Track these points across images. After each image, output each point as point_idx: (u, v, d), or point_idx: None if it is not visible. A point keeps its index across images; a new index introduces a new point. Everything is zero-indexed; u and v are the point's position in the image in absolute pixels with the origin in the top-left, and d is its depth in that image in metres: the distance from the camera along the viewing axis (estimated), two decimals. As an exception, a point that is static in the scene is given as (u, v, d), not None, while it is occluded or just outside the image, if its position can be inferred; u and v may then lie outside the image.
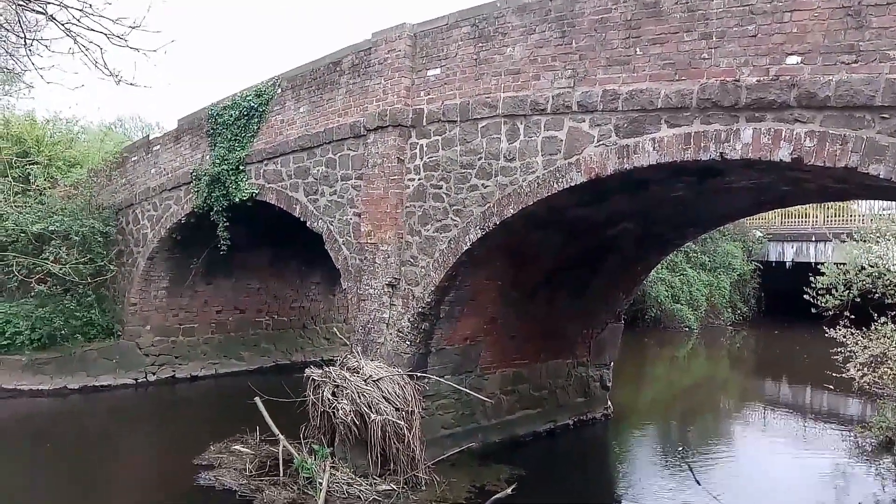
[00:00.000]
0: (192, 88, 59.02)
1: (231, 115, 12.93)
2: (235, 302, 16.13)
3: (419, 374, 9.47)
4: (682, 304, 26.04)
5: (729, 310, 28.89)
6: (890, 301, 12.73)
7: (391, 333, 9.77)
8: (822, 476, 10.70)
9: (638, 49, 7.21)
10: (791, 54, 6.11)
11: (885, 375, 12.17)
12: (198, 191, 13.38)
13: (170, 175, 14.59)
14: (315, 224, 11.24)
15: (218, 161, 12.96)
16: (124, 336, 14.81)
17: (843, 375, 12.72)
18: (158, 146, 15.14)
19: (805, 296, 13.94)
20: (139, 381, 14.51)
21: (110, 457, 10.53)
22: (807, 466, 11.21)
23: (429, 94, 9.51)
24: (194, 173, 13.55)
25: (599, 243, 10.64)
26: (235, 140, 12.86)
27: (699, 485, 9.48)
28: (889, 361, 12.22)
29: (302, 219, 11.47)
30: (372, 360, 9.56)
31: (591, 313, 12.20)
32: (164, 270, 14.98)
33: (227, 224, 13.09)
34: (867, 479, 10.78)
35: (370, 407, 8.74)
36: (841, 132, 5.83)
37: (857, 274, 13.25)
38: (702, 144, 6.67)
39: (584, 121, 7.72)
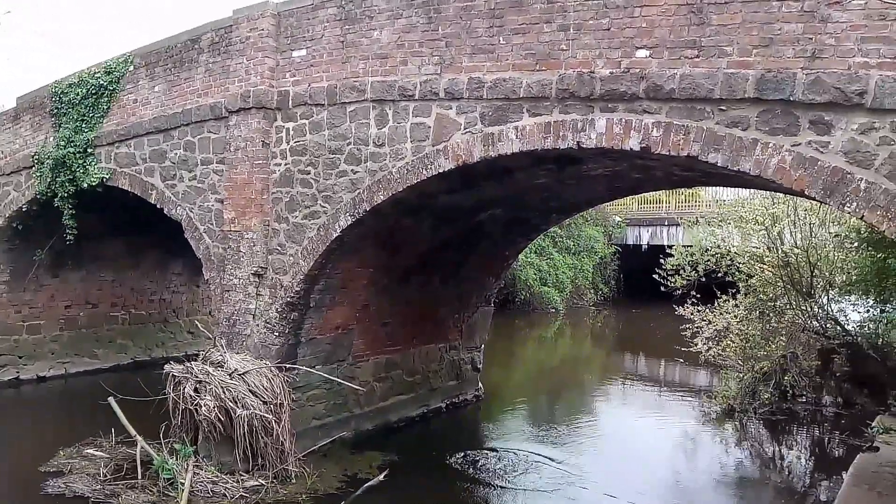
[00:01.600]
0: (34, 65, 54.01)
1: (77, 94, 11.94)
2: (87, 296, 14.95)
3: (288, 366, 9.22)
4: (549, 287, 27.16)
5: (592, 291, 30.50)
6: (731, 279, 13.93)
7: (258, 325, 9.44)
8: (674, 442, 11.53)
9: (501, 38, 7.34)
10: (641, 48, 6.44)
11: (727, 348, 13.33)
12: (41, 175, 12.27)
13: (8, 158, 13.29)
14: (173, 211, 10.63)
15: (63, 143, 11.93)
16: (-43, 336, 13.39)
17: (692, 349, 13.80)
18: (-7, 126, 13.74)
19: (656, 276, 14.95)
20: (-24, 384, 13.19)
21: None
22: (660, 434, 12.04)
23: (294, 76, 9.22)
24: (36, 156, 12.42)
25: (470, 228, 10.82)
26: (83, 121, 11.89)
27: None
28: (731, 335, 13.39)
29: (159, 205, 10.81)
30: (238, 353, 9.20)
31: (462, 297, 12.41)
32: (3, 263, 13.64)
33: (74, 212, 12.11)
34: (713, 443, 11.75)
35: (235, 402, 8.41)
36: (684, 123, 6.23)
37: (702, 255, 14.37)
38: (560, 133, 6.90)
39: (451, 108, 7.77)
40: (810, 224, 12.85)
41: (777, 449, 11.43)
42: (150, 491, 8.05)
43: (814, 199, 6.16)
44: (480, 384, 13.37)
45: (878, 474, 7.74)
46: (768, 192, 13.16)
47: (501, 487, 9.06)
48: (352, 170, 8.67)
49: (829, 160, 5.56)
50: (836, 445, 11.28)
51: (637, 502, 8.56)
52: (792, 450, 11.45)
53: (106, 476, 8.47)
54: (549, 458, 10.02)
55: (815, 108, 5.62)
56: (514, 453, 10.28)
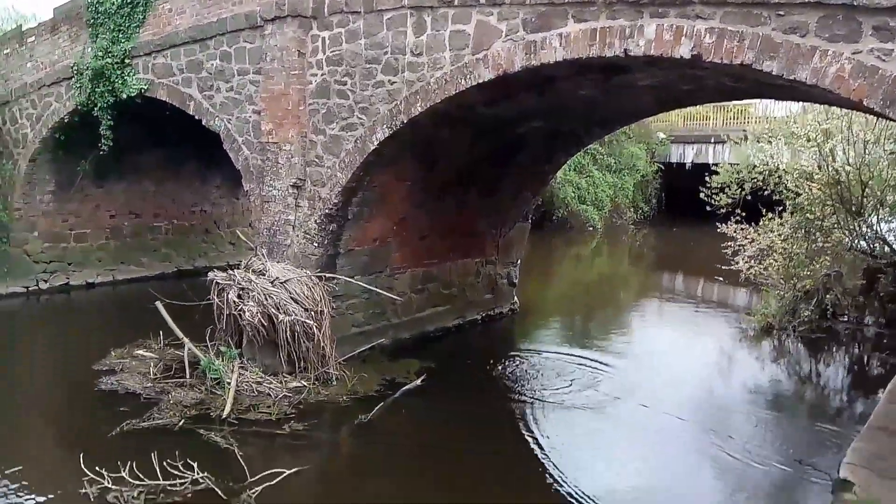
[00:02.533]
0: (71, -27, 53.31)
1: (113, 3, 11.81)
2: (130, 206, 15.31)
3: (328, 276, 9.40)
4: (587, 205, 26.82)
5: (632, 209, 30.05)
6: (778, 197, 13.55)
7: (298, 236, 9.57)
8: (710, 358, 11.55)
9: (546, -64, 6.95)
10: (696, -55, 6.04)
11: (769, 267, 13.12)
12: (80, 87, 12.36)
13: (48, 69, 13.36)
14: (212, 122, 10.64)
15: (101, 54, 11.92)
16: (11, 243, 13.89)
17: (732, 268, 13.62)
18: (33, 37, 13.76)
19: (701, 194, 14.61)
20: (30, 289, 13.76)
21: (5, 366, 10.08)
22: (696, 350, 12.07)
23: (330, -19, 8.95)
24: (75, 67, 12.46)
25: (509, 142, 10.63)
26: (119, 31, 11.81)
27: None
28: (774, 254, 13.15)
29: (197, 117, 10.83)
30: (279, 263, 9.39)
31: (499, 213, 12.35)
32: (48, 173, 13.98)
33: (113, 123, 12.25)
34: (749, 360, 11.75)
35: (278, 308, 8.65)
36: (739, 28, 5.89)
37: (749, 172, 13.95)
38: (607, 40, 6.60)
39: (492, 14, 7.48)
40: (864, 141, 12.29)
41: (814, 366, 11.39)
42: (199, 389, 8.45)
43: (872, 111, 5.85)
44: (516, 298, 13.48)
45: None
46: (821, 108, 12.60)
47: (534, 395, 9.26)
48: (389, 80, 8.50)
49: (892, 69, 5.23)
50: (877, 364, 11.19)
51: (671, 413, 8.68)
52: (829, 367, 11.40)
53: (156, 375, 8.90)
54: (582, 370, 10.17)
55: (880, 13, 5.25)
56: (548, 364, 10.46)
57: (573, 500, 6.60)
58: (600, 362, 10.61)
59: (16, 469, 6.67)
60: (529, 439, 7.91)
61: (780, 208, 13.51)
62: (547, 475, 7.12)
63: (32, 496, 6.26)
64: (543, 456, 7.52)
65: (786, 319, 12.37)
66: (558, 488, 6.84)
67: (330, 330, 9.08)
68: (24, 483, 6.44)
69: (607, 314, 15.31)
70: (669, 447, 7.97)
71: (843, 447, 7.43)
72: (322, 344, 8.90)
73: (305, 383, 8.71)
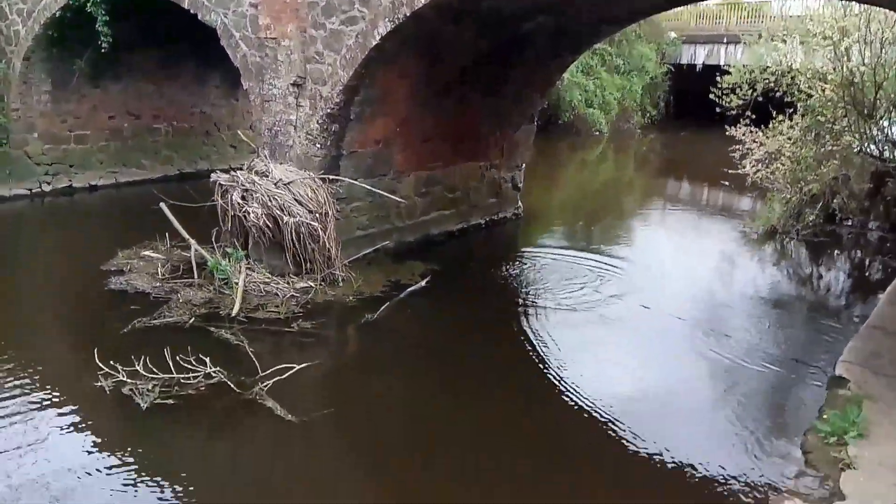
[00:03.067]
0: None
1: None
2: (127, 107, 15.01)
3: (331, 177, 9.32)
4: (594, 109, 26.29)
5: (639, 113, 29.47)
6: (789, 100, 13.23)
7: (300, 136, 9.43)
8: (712, 261, 11.62)
9: None
10: None
11: (776, 171, 12.98)
12: (70, -22, 11.87)
13: (36, -40, 12.79)
14: (207, 17, 10.25)
15: (89, -59, 11.37)
16: (10, 145, 13.73)
17: (739, 172, 13.49)
18: (16, -77, 13.09)
19: (711, 95, 14.27)
20: (34, 191, 13.73)
21: (13, 267, 10.20)
22: (698, 253, 12.16)
23: None
24: (64, -42, 11.92)
25: (514, 39, 10.28)
26: (108, -83, 11.21)
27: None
28: (782, 158, 12.98)
29: (192, 10, 10.42)
30: (281, 164, 9.30)
31: (504, 114, 12.11)
32: (44, 72, 13.64)
33: (107, 18, 11.81)
34: (752, 263, 11.83)
35: (282, 210, 8.64)
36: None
37: (761, 73, 13.56)
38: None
39: None
40: (881, 40, 11.87)
41: (816, 269, 11.48)
42: (207, 289, 8.57)
43: (892, 4, 5.60)
44: (520, 203, 13.43)
45: (916, 295, 7.76)
46: (839, 4, 12.12)
47: (537, 296, 9.39)
48: (392, -31, 8.12)
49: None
50: (878, 268, 11.27)
51: (672, 314, 8.82)
52: (831, 270, 11.49)
53: (164, 275, 9.00)
54: (585, 272, 10.26)
55: None
56: (551, 267, 10.56)
57: (571, 401, 6.80)
58: (603, 265, 10.69)
59: (33, 366, 6.86)
60: (531, 340, 8.07)
61: (791, 111, 13.22)
62: (546, 376, 7.31)
63: (50, 391, 6.46)
64: (544, 356, 7.70)
65: (790, 223, 12.37)
66: (557, 389, 7.03)
67: (335, 232, 9.11)
68: (41, 379, 6.64)
69: (612, 219, 15.31)
70: (669, 348, 8.13)
71: (841, 347, 7.59)
72: (327, 246, 8.94)
73: (312, 284, 8.82)
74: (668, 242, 13.27)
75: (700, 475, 5.71)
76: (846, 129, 12.59)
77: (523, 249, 11.78)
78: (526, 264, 10.72)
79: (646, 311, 8.95)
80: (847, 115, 12.40)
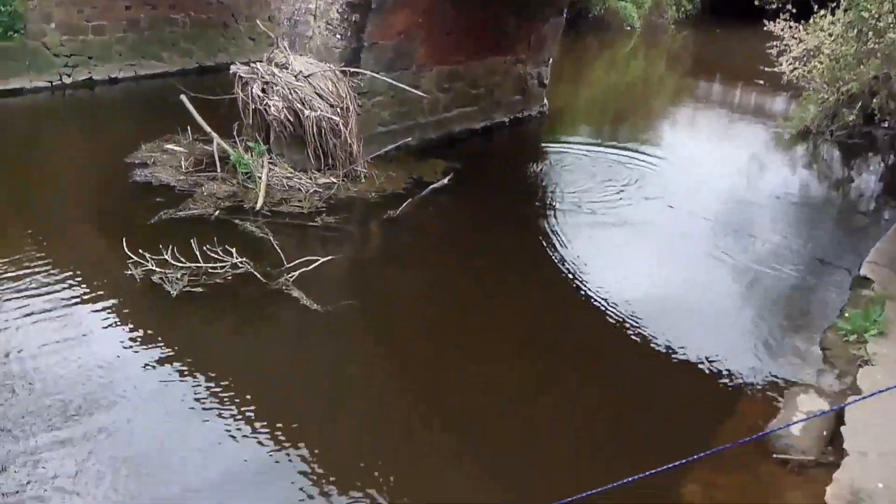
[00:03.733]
0: None
1: None
2: (143, -4, 14.60)
3: (352, 70, 9.10)
4: (626, 2, 25.08)
5: (674, 7, 28.09)
6: (834, -6, 12.50)
7: (319, 26, 9.14)
8: (741, 162, 11.37)
9: None
10: None
11: (814, 69, 12.45)
12: None
13: None
14: None
15: None
16: (28, 35, 13.48)
17: (775, 69, 12.96)
18: None
19: (751, -13, 13.50)
20: (54, 83, 13.59)
21: (39, 160, 10.26)
22: (727, 154, 11.88)
23: None
24: None
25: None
26: None
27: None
28: (821, 55, 12.40)
29: None
30: (301, 56, 9.07)
31: (532, 6, 11.60)
32: (55, -43, 13.21)
33: None
34: (782, 164, 11.57)
35: (303, 103, 8.50)
36: None
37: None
38: None
39: None
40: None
41: (848, 171, 11.21)
42: (230, 183, 8.57)
43: None
44: (546, 101, 13.09)
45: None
46: None
47: (561, 195, 9.32)
48: None
49: None
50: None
51: (697, 214, 8.73)
52: (863, 172, 11.22)
53: (187, 168, 8.99)
54: (610, 172, 10.12)
55: None
56: (576, 166, 10.42)
57: (589, 299, 6.86)
58: (630, 164, 10.52)
59: (64, 257, 6.99)
60: (552, 239, 8.07)
61: (834, 5, 12.51)
62: (566, 273, 7.35)
63: (82, 280, 6.58)
64: (564, 255, 7.72)
65: (824, 124, 11.97)
66: (575, 285, 7.09)
67: (356, 127, 8.98)
68: (73, 269, 6.73)
69: (640, 118, 14.91)
70: (693, 249, 8.09)
71: (868, 249, 7.52)
72: (349, 141, 8.84)
73: (335, 180, 8.79)
74: (696, 142, 12.97)
75: (716, 371, 5.82)
76: (891, 25, 11.91)
77: (547, 148, 11.58)
78: (550, 163, 10.58)
79: (671, 211, 8.86)
80: (893, 10, 11.70)
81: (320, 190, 8.58)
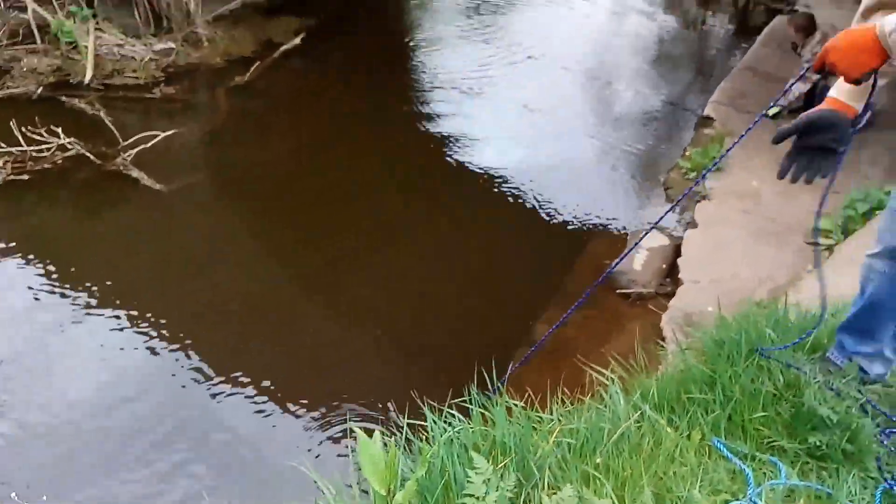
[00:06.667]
0: None
1: None
2: None
3: (181, -83, 8.08)
4: None
5: None
6: None
7: None
8: (600, 13, 11.27)
9: None
10: None
11: None
12: None
13: None
14: None
15: None
16: None
17: None
18: None
19: None
20: None
21: None
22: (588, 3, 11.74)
23: None
24: None
25: None
26: None
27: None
28: None
29: None
30: None
31: None
32: None
33: None
34: (640, 13, 11.52)
35: (125, -41, 7.54)
36: None
37: None
38: None
39: None
40: None
41: (703, 14, 11.33)
42: (53, 55, 7.63)
43: None
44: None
45: (785, 35, 7.86)
46: None
47: (424, 43, 8.99)
48: None
49: None
50: (762, 12, 11.26)
51: (559, 65, 8.67)
52: (717, 15, 11.37)
53: (1, 42, 7.93)
54: (476, 20, 9.80)
55: None
56: (442, 13, 10.00)
57: (453, 158, 6.81)
58: (494, 14, 10.20)
59: None
60: (415, 97, 7.84)
61: None
62: (430, 134, 7.21)
63: None
64: (430, 117, 7.52)
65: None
66: (438, 145, 6.99)
67: (193, -17, 8.13)
68: None
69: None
70: (552, 99, 8.07)
71: (715, 90, 7.78)
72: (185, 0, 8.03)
73: (173, 45, 8.01)
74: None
75: (571, 219, 6.02)
76: None
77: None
78: (415, 13, 10.09)
79: (533, 62, 8.76)
80: None
81: (157, 58, 7.82)
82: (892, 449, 2.19)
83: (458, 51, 9.05)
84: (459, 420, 2.18)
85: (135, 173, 5.93)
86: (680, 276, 5.18)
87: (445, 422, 2.19)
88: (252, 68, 7.82)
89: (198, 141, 6.85)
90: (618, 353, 4.21)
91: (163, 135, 6.29)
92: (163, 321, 4.61)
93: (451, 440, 2.03)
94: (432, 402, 2.36)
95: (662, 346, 4.17)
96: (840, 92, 1.97)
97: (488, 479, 1.84)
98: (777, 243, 5.31)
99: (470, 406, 2.24)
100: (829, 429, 2.18)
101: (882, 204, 4.77)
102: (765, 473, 2.15)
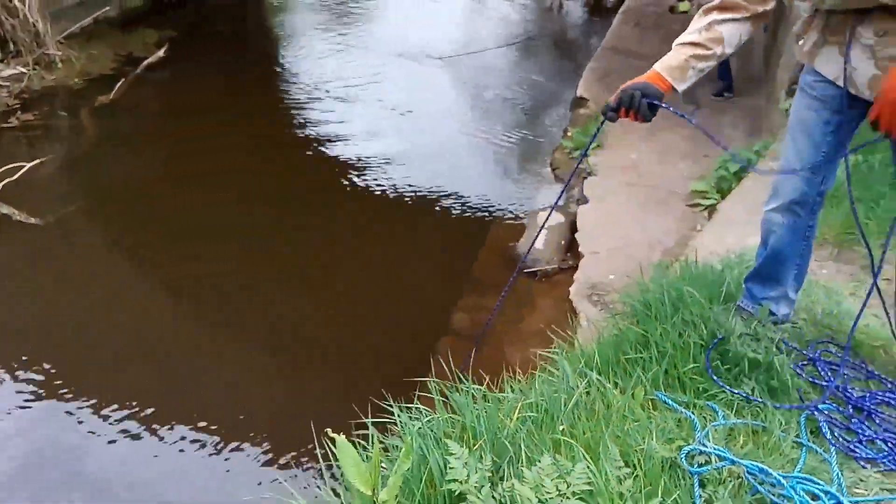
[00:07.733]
0: None
1: None
2: None
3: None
4: None
5: None
6: None
7: None
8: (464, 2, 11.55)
9: None
10: None
11: None
12: None
13: None
14: None
15: None
16: None
17: None
18: None
19: None
20: None
21: None
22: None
23: None
24: None
25: None
26: None
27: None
28: None
29: None
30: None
31: None
32: None
33: None
34: (501, 5, 11.89)
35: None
36: None
37: None
38: None
39: None
40: None
41: (559, 2, 11.84)
42: None
43: None
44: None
45: (641, 13, 8.42)
46: None
47: (292, 48, 8.85)
48: None
49: None
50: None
51: (429, 56, 8.79)
52: (570, 2, 11.92)
53: None
54: (340, 16, 9.75)
55: None
56: (307, 13, 9.86)
57: (328, 153, 6.76)
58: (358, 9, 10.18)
59: None
60: (288, 101, 7.70)
61: None
62: (307, 135, 7.11)
63: None
64: (298, 110, 7.41)
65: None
66: (318, 149, 6.90)
67: (38, 2, 7.53)
68: None
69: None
70: (429, 92, 8.18)
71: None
72: (31, 19, 7.44)
73: (24, 69, 7.43)
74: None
75: (469, 207, 6.15)
76: None
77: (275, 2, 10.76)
78: (280, 16, 9.88)
79: (400, 58, 8.83)
80: None
81: (7, 84, 7.21)
82: (809, 379, 2.44)
83: (322, 49, 8.97)
84: (426, 412, 2.22)
85: (4, 209, 5.44)
86: (580, 249, 5.43)
87: (410, 416, 2.22)
88: (117, 86, 7.38)
89: (67, 167, 6.37)
90: (535, 329, 4.40)
91: (28, 165, 5.85)
92: (53, 370, 4.23)
93: (423, 432, 2.07)
94: (380, 403, 2.36)
95: (575, 316, 4.38)
96: (662, 68, 2.17)
97: (466, 462, 1.89)
98: (662, 209, 5.69)
99: (434, 396, 2.27)
100: (753, 371, 2.40)
101: (752, 162, 5.22)
102: (705, 418, 2.34)
